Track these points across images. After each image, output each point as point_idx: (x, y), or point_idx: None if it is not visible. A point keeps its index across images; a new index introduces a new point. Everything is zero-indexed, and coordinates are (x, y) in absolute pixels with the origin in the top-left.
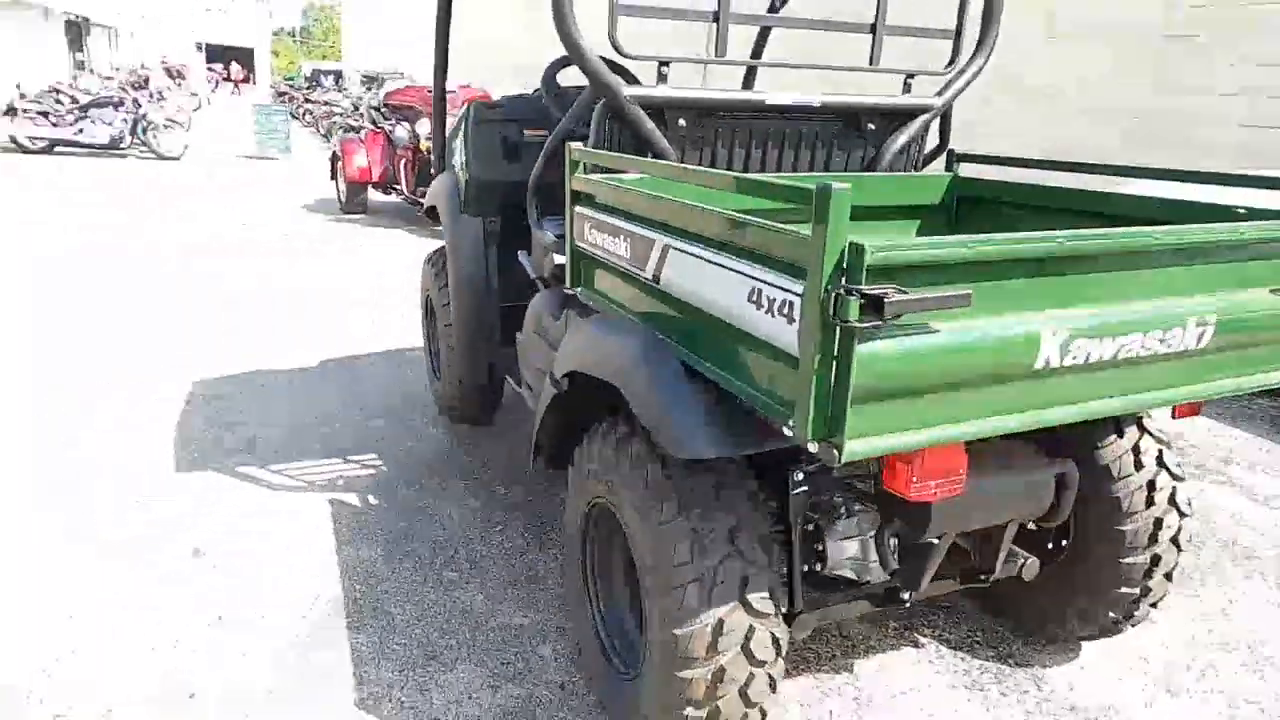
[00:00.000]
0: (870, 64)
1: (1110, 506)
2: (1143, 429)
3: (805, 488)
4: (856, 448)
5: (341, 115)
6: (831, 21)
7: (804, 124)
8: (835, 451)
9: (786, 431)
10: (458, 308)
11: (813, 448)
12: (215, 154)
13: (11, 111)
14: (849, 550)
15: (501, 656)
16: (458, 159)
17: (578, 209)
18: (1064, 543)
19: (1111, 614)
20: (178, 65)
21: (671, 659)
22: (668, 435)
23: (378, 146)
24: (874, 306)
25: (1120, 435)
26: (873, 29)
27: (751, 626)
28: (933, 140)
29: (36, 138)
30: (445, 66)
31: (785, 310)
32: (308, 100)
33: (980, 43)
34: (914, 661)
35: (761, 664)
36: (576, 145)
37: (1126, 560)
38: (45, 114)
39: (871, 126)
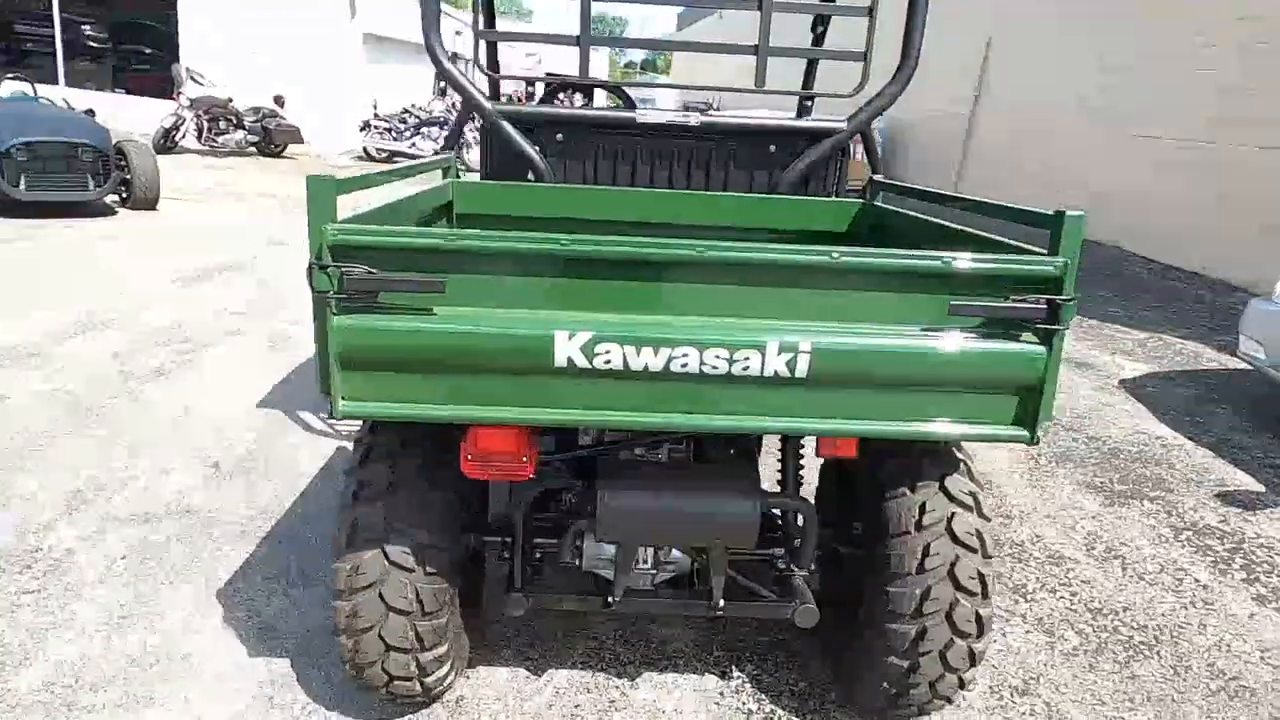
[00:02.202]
0: (756, 85)
1: (882, 564)
2: (944, 490)
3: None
4: (348, 408)
5: None
6: (711, 44)
7: (698, 143)
8: (330, 407)
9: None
10: None
11: (331, 406)
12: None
13: (366, 127)
14: (605, 551)
15: None
16: None
17: None
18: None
19: (885, 684)
20: (520, 94)
21: (333, 591)
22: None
23: None
24: (340, 282)
25: (912, 491)
26: (755, 50)
27: (386, 573)
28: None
29: (381, 149)
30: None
31: None
32: None
33: (900, 68)
34: (702, 689)
35: (402, 613)
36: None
37: (893, 626)
38: (390, 130)
39: (773, 149)
